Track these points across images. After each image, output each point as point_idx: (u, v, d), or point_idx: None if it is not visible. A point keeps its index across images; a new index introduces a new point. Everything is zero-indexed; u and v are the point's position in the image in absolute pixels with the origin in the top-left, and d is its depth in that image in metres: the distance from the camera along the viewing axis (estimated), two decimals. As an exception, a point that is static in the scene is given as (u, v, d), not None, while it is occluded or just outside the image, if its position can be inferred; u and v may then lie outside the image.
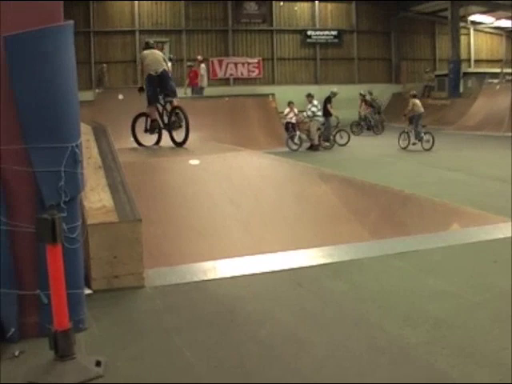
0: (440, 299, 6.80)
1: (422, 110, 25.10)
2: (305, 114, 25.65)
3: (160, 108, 14.86)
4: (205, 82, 30.60)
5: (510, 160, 17.66)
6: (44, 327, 5.43)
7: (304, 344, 5.71)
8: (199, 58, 31.82)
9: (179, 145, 14.33)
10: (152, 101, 14.72)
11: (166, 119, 14.75)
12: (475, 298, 6.81)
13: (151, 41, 16.08)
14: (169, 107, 14.78)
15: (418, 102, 25.37)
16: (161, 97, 14.76)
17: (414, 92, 27.30)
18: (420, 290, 7.16)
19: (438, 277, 7.60)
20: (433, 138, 23.45)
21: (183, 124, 14.24)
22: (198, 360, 5.41)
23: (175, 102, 14.73)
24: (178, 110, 14.50)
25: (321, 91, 31.19)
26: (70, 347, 5.14)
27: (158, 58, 15.01)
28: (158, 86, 14.65)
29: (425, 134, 23.95)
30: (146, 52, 15.23)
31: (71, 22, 5.90)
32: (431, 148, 23.33)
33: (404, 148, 24.28)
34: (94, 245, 7.16)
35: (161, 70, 14.68)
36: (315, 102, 25.67)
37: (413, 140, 24.08)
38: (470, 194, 13.03)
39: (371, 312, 6.49)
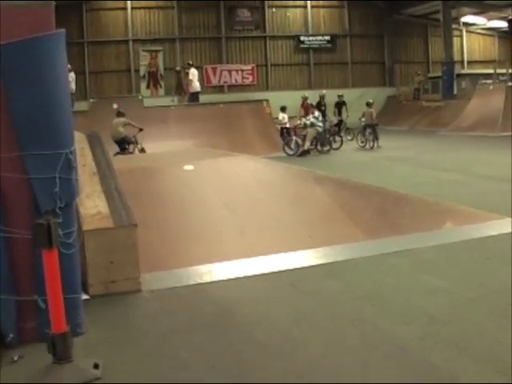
0: (434, 296, 6.85)
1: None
2: (304, 121, 25.70)
3: None
4: (195, 87, 30.41)
5: (505, 159, 17.76)
6: (42, 332, 5.46)
7: (299, 343, 5.76)
8: (190, 62, 31.91)
9: None
10: None
11: None
12: (469, 295, 6.86)
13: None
14: None
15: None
16: None
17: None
18: (414, 287, 7.22)
19: (432, 274, 7.65)
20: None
21: None
22: (195, 361, 5.46)
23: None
24: None
25: (315, 96, 31.31)
26: (67, 350, 5.20)
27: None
28: None
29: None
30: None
31: (63, 30, 5.97)
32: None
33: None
34: (91, 250, 7.22)
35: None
36: (316, 114, 25.84)
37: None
38: (465, 194, 13.09)
39: (366, 310, 6.56)
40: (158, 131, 23.91)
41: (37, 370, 5.18)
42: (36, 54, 5.66)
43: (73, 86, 29.24)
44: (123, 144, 21.58)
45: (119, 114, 22.05)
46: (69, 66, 29.72)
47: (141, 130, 21.90)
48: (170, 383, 5.02)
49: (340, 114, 30.79)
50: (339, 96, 31.71)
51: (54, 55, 5.83)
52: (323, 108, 28.50)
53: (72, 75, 29.18)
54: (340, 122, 30.09)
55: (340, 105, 31.18)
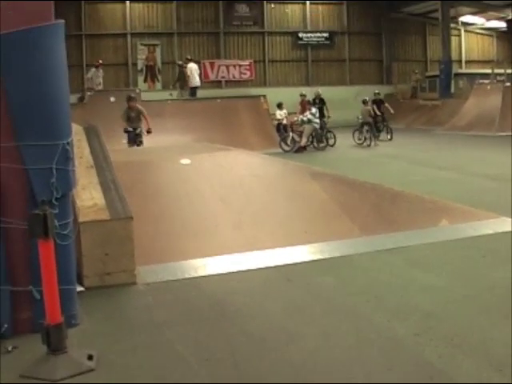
0: (429, 293, 6.88)
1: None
2: (301, 117, 25.75)
3: None
4: (194, 82, 30.10)
5: (502, 159, 17.80)
6: (37, 323, 5.47)
7: (293, 336, 5.78)
8: (188, 57, 31.84)
9: None
10: None
11: None
12: (463, 292, 6.89)
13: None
14: None
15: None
16: None
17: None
18: (409, 284, 7.24)
19: (427, 272, 7.68)
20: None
21: None
22: (189, 353, 5.47)
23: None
24: None
25: (312, 93, 31.29)
26: (62, 341, 5.21)
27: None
28: None
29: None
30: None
31: (62, 21, 5.98)
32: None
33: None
34: (86, 242, 7.23)
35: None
36: (313, 110, 25.87)
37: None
38: (461, 192, 13.09)
39: (360, 305, 6.57)
40: (154, 125, 23.78)
41: (31, 361, 5.19)
42: (35, 44, 5.67)
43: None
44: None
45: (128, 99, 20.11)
46: (100, 61, 30.38)
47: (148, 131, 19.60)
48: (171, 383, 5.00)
49: (380, 110, 29.59)
50: (375, 94, 31.03)
51: (52, 46, 5.85)
52: (317, 106, 28.24)
53: (101, 71, 29.63)
54: (381, 117, 29.19)
55: (377, 102, 30.16)
